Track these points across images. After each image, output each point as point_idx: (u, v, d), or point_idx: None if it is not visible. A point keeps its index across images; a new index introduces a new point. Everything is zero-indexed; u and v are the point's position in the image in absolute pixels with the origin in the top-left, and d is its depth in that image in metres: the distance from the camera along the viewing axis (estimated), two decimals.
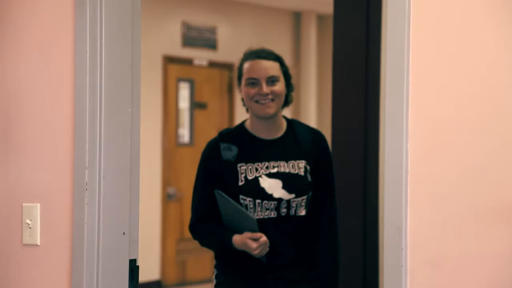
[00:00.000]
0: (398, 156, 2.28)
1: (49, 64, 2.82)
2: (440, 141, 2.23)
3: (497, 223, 2.15)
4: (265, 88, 3.27)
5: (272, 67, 3.31)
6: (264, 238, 3.21)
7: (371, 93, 4.12)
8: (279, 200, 3.28)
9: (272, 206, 3.27)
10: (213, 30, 9.35)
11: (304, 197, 3.31)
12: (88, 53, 2.71)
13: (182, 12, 9.15)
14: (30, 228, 2.80)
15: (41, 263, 2.79)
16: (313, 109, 9.91)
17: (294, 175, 3.31)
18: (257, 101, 3.29)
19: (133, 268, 2.76)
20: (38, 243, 2.80)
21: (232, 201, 3.22)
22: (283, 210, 3.28)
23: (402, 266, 2.26)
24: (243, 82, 3.34)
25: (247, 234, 3.21)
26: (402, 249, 2.26)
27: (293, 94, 3.45)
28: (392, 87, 2.30)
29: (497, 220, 2.15)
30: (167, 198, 8.94)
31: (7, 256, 2.85)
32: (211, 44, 9.31)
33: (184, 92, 9.22)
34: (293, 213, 3.29)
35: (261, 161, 3.31)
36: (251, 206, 3.27)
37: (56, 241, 2.76)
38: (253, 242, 3.20)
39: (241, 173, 3.30)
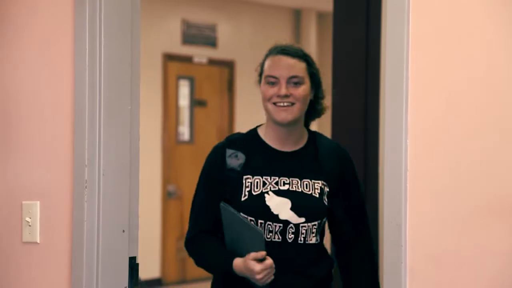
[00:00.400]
0: (398, 153, 2.28)
1: (48, 62, 2.82)
2: (439, 137, 2.24)
3: (496, 219, 2.15)
4: (284, 89, 2.80)
5: (295, 66, 2.84)
6: (270, 260, 2.69)
7: (371, 92, 4.12)
8: (286, 222, 2.79)
9: (277, 228, 2.79)
10: (213, 28, 9.34)
11: (316, 222, 2.81)
12: (87, 51, 2.71)
13: (182, 9, 9.15)
14: (30, 226, 2.80)
15: (41, 261, 2.79)
16: None
17: (307, 196, 2.82)
18: (274, 104, 2.82)
19: (133, 266, 2.76)
20: (38, 241, 2.80)
21: (239, 215, 2.75)
22: (290, 236, 2.79)
23: (402, 262, 2.26)
24: (262, 80, 2.87)
25: (251, 255, 2.69)
26: (402, 245, 2.26)
27: (325, 102, 2.96)
28: (391, 84, 2.30)
29: (496, 216, 2.15)
30: (167, 196, 8.94)
31: (7, 254, 2.86)
32: (211, 42, 9.30)
33: (184, 89, 9.22)
34: (301, 241, 2.80)
35: (270, 175, 2.83)
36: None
37: (56, 239, 2.76)
38: (256, 264, 2.68)
39: (246, 187, 2.82)
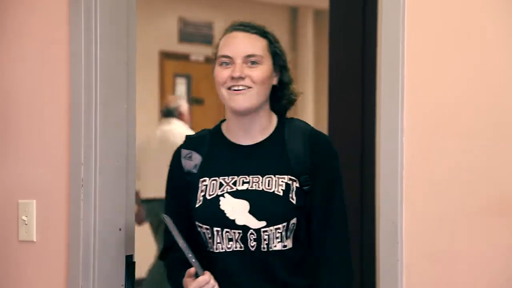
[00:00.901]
0: (394, 151, 2.28)
1: (44, 62, 2.82)
2: (435, 136, 2.24)
3: (492, 217, 2.15)
4: (238, 70, 2.38)
5: (253, 44, 2.41)
6: (203, 277, 2.33)
7: (368, 89, 4.13)
8: (245, 228, 2.36)
9: (237, 236, 2.36)
10: (210, 26, 9.34)
11: (280, 226, 2.35)
12: (83, 49, 2.71)
13: (179, 7, 9.15)
14: (26, 224, 2.80)
15: (37, 260, 2.79)
16: (311, 106, 9.90)
17: (269, 195, 2.36)
18: (229, 89, 2.41)
19: (130, 264, 2.76)
20: (34, 240, 2.80)
21: (169, 227, 2.37)
22: (252, 243, 2.36)
23: (398, 260, 2.26)
24: (216, 63, 2.46)
25: (186, 273, 2.37)
26: (398, 243, 2.26)
27: (295, 88, 2.52)
28: (387, 83, 2.31)
29: (492, 214, 2.15)
30: None
31: (3, 253, 2.85)
32: (208, 40, 9.30)
33: (181, 87, 9.22)
34: (264, 248, 2.35)
35: (228, 175, 2.41)
36: (209, 236, 2.39)
37: (52, 238, 2.76)
38: (190, 282, 2.34)
39: (201, 191, 2.41)
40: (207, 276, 2.33)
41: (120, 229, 2.73)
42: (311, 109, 9.91)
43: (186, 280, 2.35)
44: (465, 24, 2.20)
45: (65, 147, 2.74)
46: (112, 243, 2.71)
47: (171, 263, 2.49)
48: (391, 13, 2.30)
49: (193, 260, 2.34)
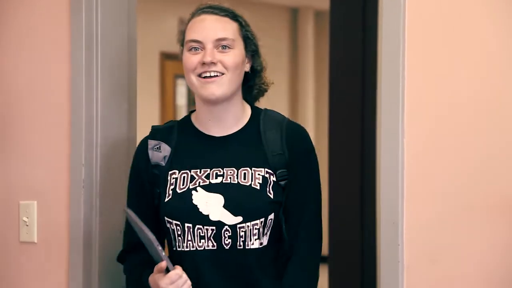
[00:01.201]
0: (395, 152, 2.28)
1: (45, 63, 2.82)
2: (436, 137, 2.24)
3: (492, 218, 2.15)
4: (209, 54, 2.24)
5: (223, 27, 2.29)
6: (175, 271, 2.18)
7: (368, 90, 4.13)
8: (219, 224, 2.23)
9: (210, 233, 2.23)
10: None
11: (258, 221, 2.24)
12: (84, 51, 2.71)
13: (179, 8, 9.14)
14: (27, 225, 2.80)
15: (38, 261, 2.79)
16: (311, 106, 9.90)
17: (245, 188, 2.24)
18: (199, 76, 2.27)
19: None
20: (35, 241, 2.80)
21: (132, 218, 2.19)
22: (227, 241, 2.23)
23: (399, 261, 2.26)
24: (184, 49, 2.32)
25: (155, 268, 2.20)
26: (399, 244, 2.26)
27: (266, 77, 2.39)
28: (388, 83, 2.30)
29: (492, 215, 2.15)
30: None
31: (4, 254, 2.85)
32: None
33: (181, 88, 9.22)
34: (241, 246, 2.23)
35: (200, 168, 2.28)
36: (179, 233, 2.27)
37: (53, 239, 2.76)
38: (160, 278, 2.18)
39: (170, 185, 2.28)
40: (179, 271, 2.19)
41: (120, 231, 2.73)
42: (311, 109, 9.92)
43: (156, 276, 2.20)
44: (465, 25, 2.20)
45: (66, 148, 2.75)
46: (113, 244, 2.71)
47: (132, 265, 2.37)
48: (391, 13, 2.30)
49: (163, 253, 2.17)
